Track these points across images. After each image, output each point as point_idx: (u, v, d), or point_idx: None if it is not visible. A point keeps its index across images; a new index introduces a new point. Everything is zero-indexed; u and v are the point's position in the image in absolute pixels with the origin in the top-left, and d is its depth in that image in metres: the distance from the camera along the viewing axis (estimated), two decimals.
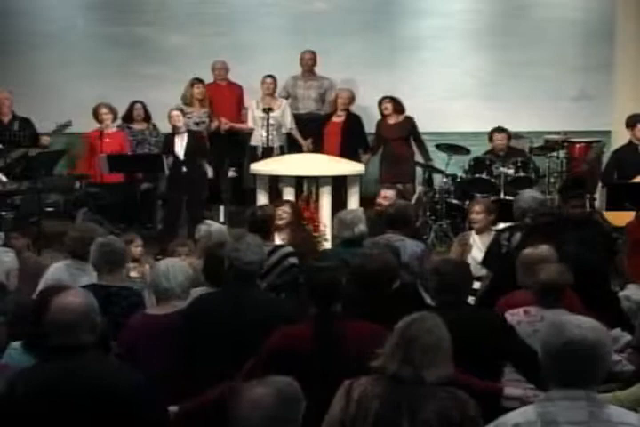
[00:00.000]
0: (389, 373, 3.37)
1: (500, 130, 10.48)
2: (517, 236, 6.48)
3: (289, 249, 6.24)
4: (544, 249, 5.35)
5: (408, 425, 3.33)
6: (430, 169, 10.62)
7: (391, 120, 10.61)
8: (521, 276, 5.33)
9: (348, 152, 10.43)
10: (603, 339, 2.99)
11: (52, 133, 9.98)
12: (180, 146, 9.80)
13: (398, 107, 10.58)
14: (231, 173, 10.65)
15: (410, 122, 10.63)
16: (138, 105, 10.66)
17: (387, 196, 8.05)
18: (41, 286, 5.55)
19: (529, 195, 6.94)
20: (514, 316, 4.91)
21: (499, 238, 6.70)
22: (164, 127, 10.36)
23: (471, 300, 6.34)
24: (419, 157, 10.75)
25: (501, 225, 7.63)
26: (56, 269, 5.82)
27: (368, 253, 5.23)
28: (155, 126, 10.70)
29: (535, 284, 4.96)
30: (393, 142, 10.60)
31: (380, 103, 10.63)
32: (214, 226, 6.29)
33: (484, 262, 6.78)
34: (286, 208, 7.45)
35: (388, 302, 4.58)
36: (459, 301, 4.59)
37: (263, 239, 6.08)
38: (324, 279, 4.27)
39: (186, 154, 9.78)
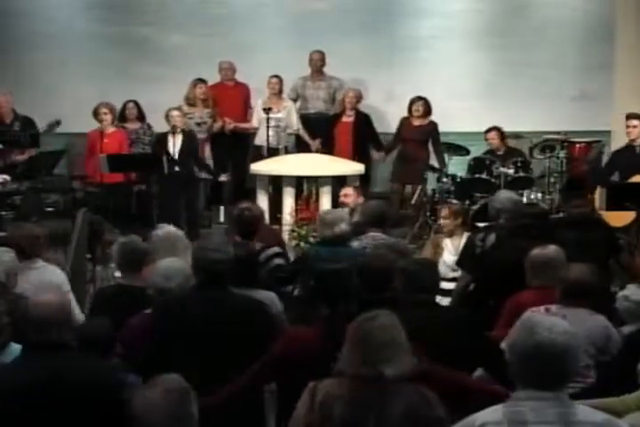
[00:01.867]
0: (350, 373, 3.36)
1: (491, 129, 10.49)
2: (492, 236, 6.47)
3: (275, 250, 6.23)
4: (552, 250, 5.34)
5: (374, 425, 3.32)
6: (441, 173, 10.56)
7: (417, 122, 10.60)
8: (529, 275, 5.33)
9: (359, 152, 10.45)
10: (572, 342, 2.99)
11: (42, 133, 9.95)
12: (175, 146, 9.76)
13: (428, 109, 10.58)
14: (222, 178, 10.62)
15: (434, 126, 10.62)
16: (130, 104, 10.63)
17: (347, 194, 8.06)
18: None
19: (504, 195, 6.94)
20: (534, 314, 4.90)
21: (473, 239, 6.70)
22: (165, 127, 10.34)
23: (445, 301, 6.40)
24: (432, 161, 10.72)
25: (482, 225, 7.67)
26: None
27: (374, 252, 5.24)
28: (149, 126, 10.67)
29: (561, 282, 4.96)
30: (411, 143, 10.60)
31: (411, 103, 10.61)
32: (164, 229, 6.23)
33: (459, 263, 6.79)
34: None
35: (396, 303, 4.57)
36: (429, 300, 4.57)
37: (250, 240, 6.10)
38: (338, 280, 4.29)
39: (180, 154, 9.75)
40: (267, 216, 8.31)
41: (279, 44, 11.65)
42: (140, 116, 10.65)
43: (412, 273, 4.61)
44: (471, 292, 6.31)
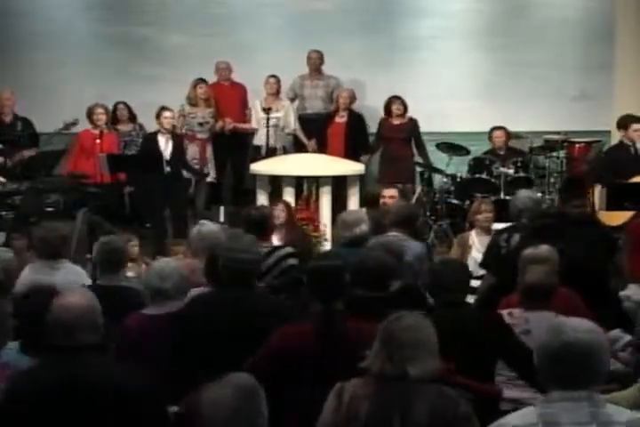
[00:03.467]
0: (375, 371, 3.39)
1: (498, 128, 10.51)
2: (516, 237, 6.45)
3: (288, 250, 6.22)
4: (544, 249, 5.33)
5: (400, 424, 3.33)
6: (430, 169, 10.61)
7: (397, 121, 10.62)
8: (520, 276, 5.32)
9: (352, 152, 10.44)
10: (599, 340, 3.00)
11: (58, 131, 9.95)
12: (167, 147, 9.73)
13: (406, 108, 10.60)
14: (209, 178, 10.63)
15: (414, 123, 10.64)
16: (121, 106, 10.62)
17: (392, 195, 8.08)
18: (17, 288, 5.50)
19: (525, 195, 6.92)
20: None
21: (497, 239, 6.68)
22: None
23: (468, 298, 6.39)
24: (418, 159, 10.74)
25: (498, 225, 7.62)
26: (28, 270, 5.78)
27: (367, 252, 5.24)
28: (141, 126, 10.66)
29: (521, 285, 4.94)
30: (394, 142, 10.61)
31: (389, 103, 10.62)
32: (207, 226, 6.25)
33: (483, 264, 6.77)
34: (281, 207, 7.48)
35: (391, 302, 4.57)
36: (455, 300, 4.56)
37: (260, 240, 6.08)
38: (327, 276, 4.30)
39: (172, 155, 9.73)
40: None
41: (279, 44, 11.64)
42: (132, 117, 10.63)
43: (436, 273, 4.62)
44: (494, 292, 6.29)
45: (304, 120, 11.02)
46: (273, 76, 10.80)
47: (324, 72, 11.27)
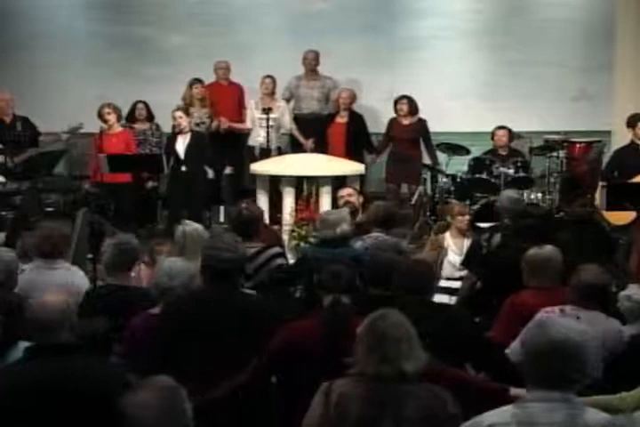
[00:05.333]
0: (371, 373, 3.36)
1: (501, 127, 10.48)
2: (497, 236, 6.46)
3: (277, 250, 6.24)
4: (548, 249, 5.35)
5: (392, 424, 3.32)
6: (436, 171, 10.57)
7: (405, 121, 10.58)
8: (526, 276, 5.33)
9: (353, 153, 10.42)
10: (587, 342, 2.96)
11: (62, 135, 9.96)
12: (182, 146, 9.80)
13: (413, 108, 10.56)
14: (228, 170, 10.66)
15: (423, 124, 10.60)
16: (140, 105, 10.65)
17: (352, 193, 8.08)
18: (16, 289, 5.50)
19: (505, 195, 6.93)
20: (549, 314, 4.90)
21: (479, 239, 6.68)
22: (167, 127, 10.36)
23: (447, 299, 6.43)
24: (425, 159, 10.73)
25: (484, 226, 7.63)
26: (27, 271, 5.70)
27: (377, 252, 5.26)
28: (157, 126, 10.69)
29: (576, 284, 4.93)
30: (403, 143, 10.58)
31: (395, 103, 10.61)
32: (191, 225, 6.26)
33: (465, 263, 6.75)
34: None
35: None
36: (419, 300, 4.53)
37: (250, 240, 6.09)
38: (331, 270, 4.33)
39: (186, 154, 9.79)
40: (267, 216, 8.33)
41: (279, 44, 11.65)
42: (150, 117, 10.66)
43: (401, 274, 4.63)
44: (477, 292, 6.31)
45: (300, 120, 11.01)
46: (268, 76, 10.79)
47: (320, 73, 11.26)
